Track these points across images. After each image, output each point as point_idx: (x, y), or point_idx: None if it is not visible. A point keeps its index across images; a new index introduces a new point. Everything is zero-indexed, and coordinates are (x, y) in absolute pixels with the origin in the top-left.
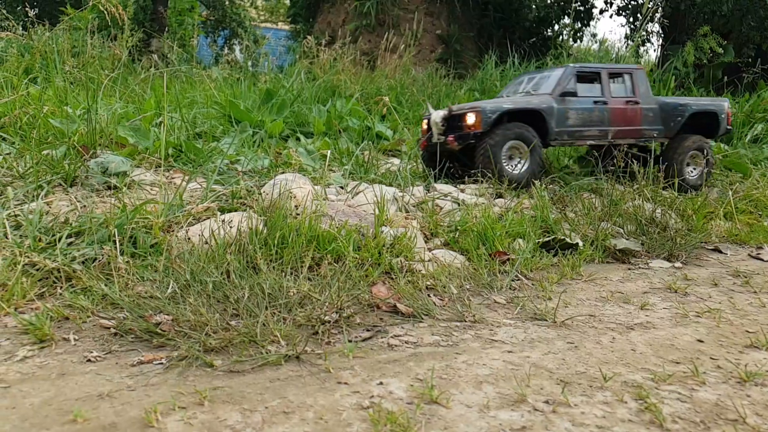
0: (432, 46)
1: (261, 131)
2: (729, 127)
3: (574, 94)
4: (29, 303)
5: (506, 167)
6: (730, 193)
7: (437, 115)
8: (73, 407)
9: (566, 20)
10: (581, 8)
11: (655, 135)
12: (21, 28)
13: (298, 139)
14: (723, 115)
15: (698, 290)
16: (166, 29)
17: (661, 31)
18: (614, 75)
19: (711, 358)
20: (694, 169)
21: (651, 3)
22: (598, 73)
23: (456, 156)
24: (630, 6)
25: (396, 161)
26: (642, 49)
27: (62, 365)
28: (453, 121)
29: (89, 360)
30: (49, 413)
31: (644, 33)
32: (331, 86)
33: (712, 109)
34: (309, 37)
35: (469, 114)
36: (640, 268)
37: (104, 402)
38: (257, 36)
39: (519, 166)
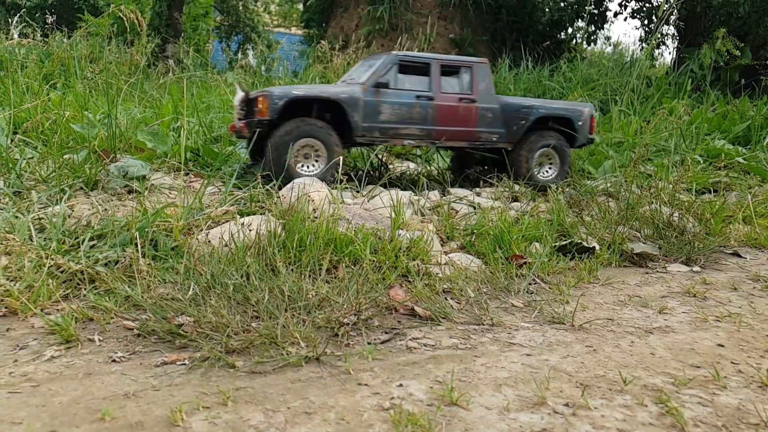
0: (445, 50)
1: None
2: (591, 136)
3: (389, 85)
4: (55, 304)
5: (300, 168)
6: (749, 196)
7: (236, 98)
8: (101, 406)
9: (580, 23)
10: (595, 11)
11: (494, 139)
12: (40, 35)
13: None
14: (580, 122)
15: (717, 294)
16: (182, 35)
17: (676, 34)
18: (449, 68)
19: (732, 362)
20: (550, 168)
21: (667, 5)
22: (428, 64)
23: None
24: (644, 9)
25: (411, 164)
26: (657, 51)
27: (88, 365)
28: (251, 106)
29: (114, 360)
30: (77, 412)
31: (659, 36)
32: None
33: (565, 115)
34: (322, 41)
35: (259, 98)
36: (657, 272)
37: (130, 401)
38: (270, 41)
39: (315, 167)
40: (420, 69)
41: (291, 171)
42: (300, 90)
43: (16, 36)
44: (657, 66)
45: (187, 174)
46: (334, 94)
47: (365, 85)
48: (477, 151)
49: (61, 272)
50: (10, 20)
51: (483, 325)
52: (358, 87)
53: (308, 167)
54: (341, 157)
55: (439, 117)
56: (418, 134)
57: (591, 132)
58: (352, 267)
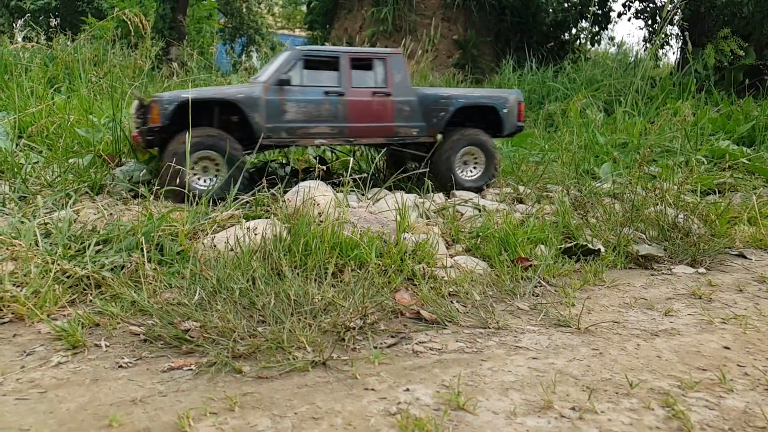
0: (449, 51)
1: None
2: (520, 124)
3: (292, 82)
4: (61, 310)
5: (197, 183)
6: (754, 197)
7: (132, 105)
8: (108, 412)
9: (584, 24)
10: (599, 12)
11: (414, 133)
12: (44, 38)
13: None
14: (505, 110)
15: (723, 296)
16: (185, 37)
17: (680, 34)
18: (361, 61)
19: (738, 365)
20: (474, 168)
21: (671, 5)
22: (336, 58)
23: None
24: (648, 9)
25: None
26: (661, 52)
27: (95, 371)
28: (146, 114)
29: (121, 366)
30: (85, 418)
31: (663, 36)
32: None
33: (488, 103)
34: (327, 44)
35: (151, 104)
36: (663, 274)
37: (137, 407)
38: (274, 43)
39: (213, 181)
40: (328, 63)
41: (189, 185)
42: (192, 92)
43: (20, 39)
44: (661, 66)
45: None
46: (229, 95)
47: (267, 83)
48: (402, 149)
49: (68, 277)
50: (14, 24)
51: (489, 328)
52: (259, 86)
53: (206, 180)
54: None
55: (351, 113)
56: (330, 133)
57: (520, 119)
58: (358, 271)
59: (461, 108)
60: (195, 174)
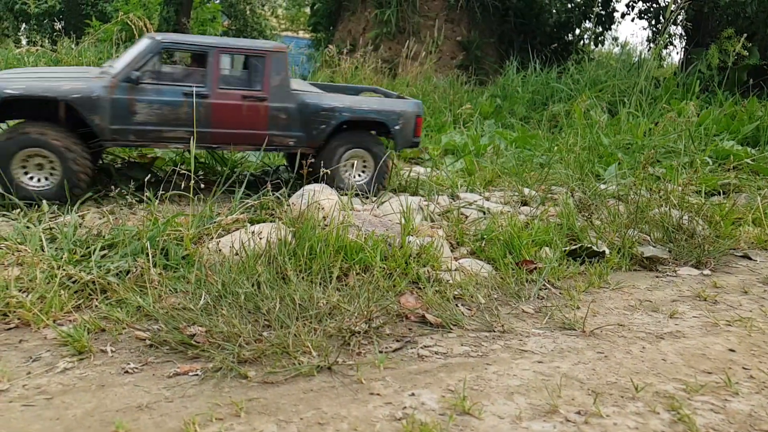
0: (453, 52)
1: None
2: (416, 140)
3: (144, 79)
4: (67, 315)
5: (27, 183)
6: (759, 198)
7: None
8: (115, 418)
9: (587, 24)
10: (602, 12)
11: (291, 143)
12: (48, 41)
13: None
14: (397, 126)
15: (728, 298)
16: None
17: (684, 34)
18: (234, 57)
19: (743, 367)
20: (362, 173)
21: (674, 6)
22: (204, 53)
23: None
24: (652, 9)
25: (419, 169)
26: (665, 52)
27: (101, 377)
28: None
29: (127, 371)
30: (92, 424)
31: (667, 36)
32: None
33: (377, 119)
34: (330, 45)
35: None
36: (668, 275)
37: (144, 413)
38: None
39: (46, 182)
40: (194, 58)
41: (17, 186)
42: (19, 86)
43: (24, 42)
44: (665, 66)
45: (197, 181)
46: (62, 94)
47: (115, 78)
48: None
49: (73, 282)
50: (19, 27)
51: (494, 331)
52: (104, 81)
53: (41, 180)
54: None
55: (215, 118)
56: (186, 137)
57: (416, 134)
58: (363, 274)
59: (346, 122)
60: (26, 173)
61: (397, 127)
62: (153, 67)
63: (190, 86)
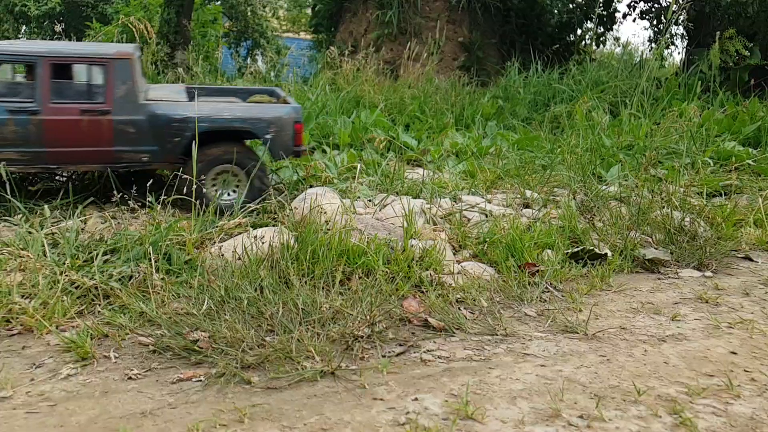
0: (454, 53)
1: None
2: (297, 149)
3: None
4: (70, 321)
5: None
6: (760, 199)
7: None
8: (118, 425)
9: (589, 25)
10: (604, 12)
11: (144, 159)
12: None
13: (324, 151)
14: (269, 135)
15: (730, 300)
16: (190, 42)
17: (685, 34)
18: (68, 67)
19: (745, 370)
20: (236, 189)
21: (675, 6)
22: (33, 64)
23: None
24: (653, 9)
25: (421, 171)
26: (666, 52)
27: (105, 383)
28: None
29: (130, 378)
30: (95, 431)
31: (668, 36)
32: (354, 97)
33: (243, 128)
34: (332, 47)
35: None
36: (669, 277)
37: (147, 420)
38: (280, 46)
39: None
40: (21, 69)
41: None
42: None
43: None
44: (666, 66)
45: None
46: None
47: None
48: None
49: (76, 288)
50: (19, 29)
51: (497, 335)
52: None
53: None
54: None
55: (49, 137)
56: (21, 159)
57: (297, 143)
58: (366, 278)
59: (208, 132)
60: None
61: (268, 136)
62: None
63: (18, 101)
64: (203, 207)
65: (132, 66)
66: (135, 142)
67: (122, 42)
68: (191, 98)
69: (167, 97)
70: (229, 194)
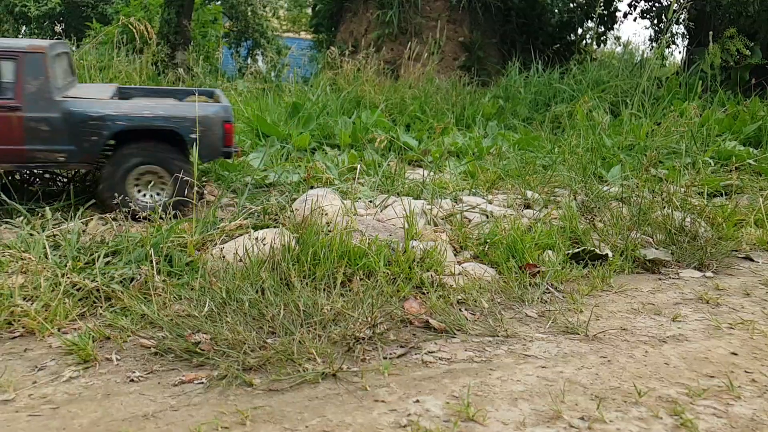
0: (455, 53)
1: (288, 145)
2: (226, 149)
3: None
4: (71, 323)
5: None
6: (761, 199)
7: None
8: (121, 428)
9: (590, 24)
10: (604, 12)
11: (61, 159)
12: None
13: (324, 151)
14: (194, 135)
15: (730, 300)
16: (191, 42)
17: (686, 33)
18: None
19: (745, 371)
20: (161, 191)
21: (676, 5)
22: None
23: None
24: (654, 8)
25: (422, 171)
26: (667, 51)
27: (107, 385)
28: None
29: (132, 380)
30: None
31: (669, 35)
32: (355, 97)
33: (165, 126)
34: (332, 47)
35: None
36: (670, 278)
37: (149, 422)
38: (280, 46)
39: None
40: None
41: None
42: None
43: None
44: (667, 65)
45: (201, 186)
46: None
47: None
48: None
49: (77, 290)
50: (19, 29)
51: (498, 336)
52: None
53: None
54: None
55: None
56: None
57: (227, 143)
58: (367, 280)
59: (122, 132)
60: None
61: (193, 136)
62: None
63: None
64: (124, 209)
65: (45, 61)
66: (49, 140)
67: (123, 42)
68: (122, 98)
69: (90, 95)
70: (152, 197)
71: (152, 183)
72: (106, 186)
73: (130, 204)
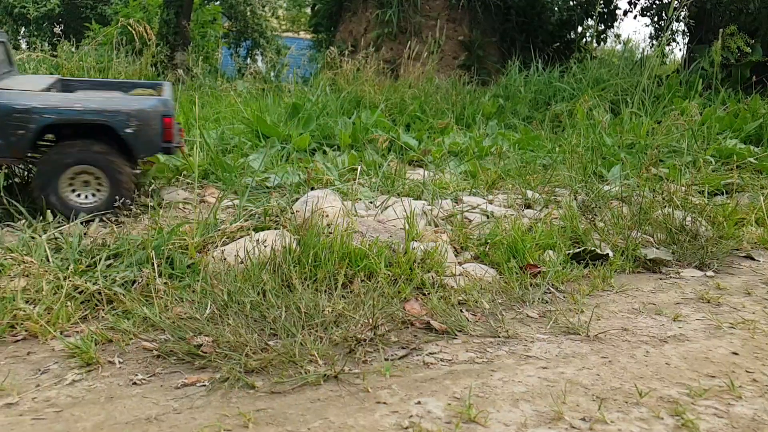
0: (455, 52)
1: (288, 145)
2: (165, 145)
3: None
4: (74, 326)
5: None
6: (762, 197)
7: None
8: (124, 431)
9: (590, 22)
10: (604, 10)
11: None
12: (48, 45)
13: (324, 152)
14: (130, 130)
15: (731, 300)
16: (190, 42)
17: (686, 31)
18: None
19: (746, 371)
20: (98, 191)
21: (676, 2)
22: None
23: None
24: (654, 6)
25: (422, 171)
26: (668, 48)
27: (110, 388)
28: None
29: (135, 383)
30: None
31: (669, 33)
32: (355, 97)
33: (98, 120)
34: (332, 47)
35: None
36: (671, 277)
37: (152, 425)
38: (279, 46)
39: None
40: None
41: None
42: None
43: (23, 46)
44: (667, 63)
45: (200, 187)
46: None
47: None
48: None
49: (79, 293)
50: (18, 31)
51: (499, 337)
52: None
53: None
54: None
55: None
56: None
57: (167, 138)
58: (368, 281)
59: (51, 126)
60: None
61: (129, 131)
62: None
63: None
64: (55, 211)
65: None
66: None
67: (122, 44)
68: (66, 91)
69: (20, 87)
70: (87, 197)
71: (89, 183)
72: (37, 185)
73: (56, 205)
